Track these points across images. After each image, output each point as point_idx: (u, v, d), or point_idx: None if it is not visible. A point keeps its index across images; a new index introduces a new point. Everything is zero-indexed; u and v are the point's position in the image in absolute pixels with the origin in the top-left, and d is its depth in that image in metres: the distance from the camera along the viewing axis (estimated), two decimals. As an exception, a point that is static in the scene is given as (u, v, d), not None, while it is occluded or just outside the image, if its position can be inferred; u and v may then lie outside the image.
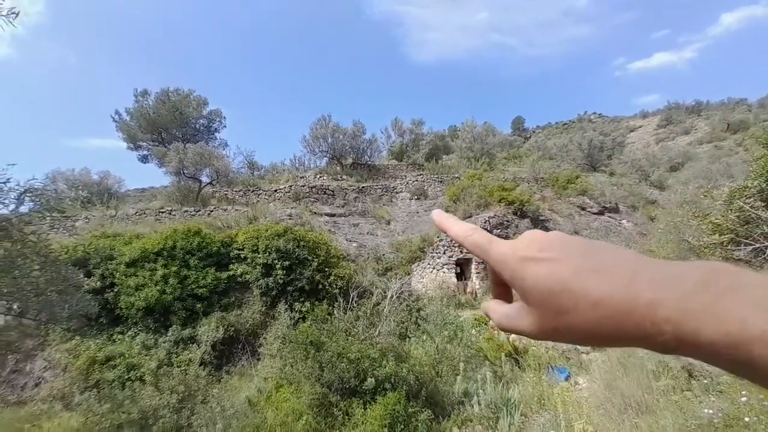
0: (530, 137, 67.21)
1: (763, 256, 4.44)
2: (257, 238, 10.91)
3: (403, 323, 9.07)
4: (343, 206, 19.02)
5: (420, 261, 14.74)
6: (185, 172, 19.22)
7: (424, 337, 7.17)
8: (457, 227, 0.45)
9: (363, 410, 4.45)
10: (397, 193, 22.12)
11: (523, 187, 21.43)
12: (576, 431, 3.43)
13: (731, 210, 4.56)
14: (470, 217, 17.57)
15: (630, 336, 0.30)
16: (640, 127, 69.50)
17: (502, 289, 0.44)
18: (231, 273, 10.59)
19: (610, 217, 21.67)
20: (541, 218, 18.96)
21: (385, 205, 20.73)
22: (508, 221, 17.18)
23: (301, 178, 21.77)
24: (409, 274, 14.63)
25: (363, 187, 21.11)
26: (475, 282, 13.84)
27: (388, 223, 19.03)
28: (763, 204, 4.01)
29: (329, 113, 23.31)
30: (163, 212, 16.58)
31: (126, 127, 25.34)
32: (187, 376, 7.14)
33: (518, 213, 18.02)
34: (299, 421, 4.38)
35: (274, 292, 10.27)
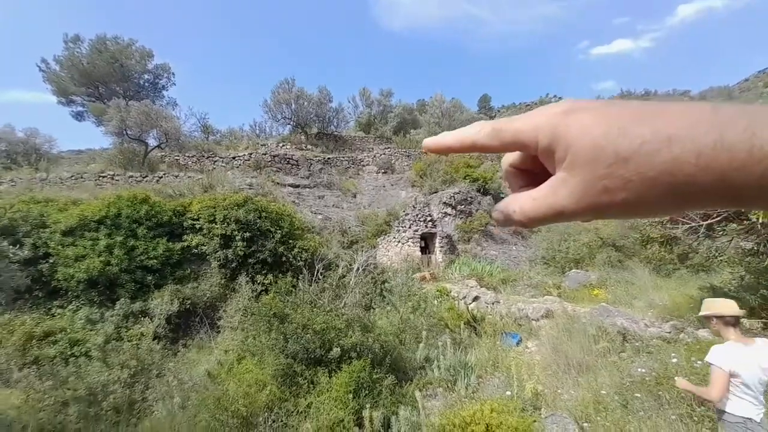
0: (495, 116, 68.63)
1: (696, 234, 4.96)
2: (214, 208, 10.27)
3: (368, 295, 9.21)
4: (307, 177, 18.40)
5: (386, 234, 14.86)
6: (128, 133, 17.35)
7: (389, 308, 7.32)
8: (459, 134, 0.36)
9: (328, 378, 4.49)
10: (363, 166, 21.77)
11: (487, 164, 22.03)
12: (527, 390, 3.72)
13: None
14: (436, 192, 17.86)
15: (719, 172, 0.25)
16: (595, 112, 73.52)
17: (524, 178, 0.36)
18: (185, 244, 9.95)
19: (563, 196, 23.09)
20: (502, 196, 19.74)
21: (351, 177, 20.37)
22: (471, 197, 17.69)
23: (262, 145, 20.59)
24: (374, 247, 14.74)
25: (329, 158, 20.48)
26: (438, 255, 14.28)
27: (354, 196, 18.82)
28: None
29: (293, 77, 21.85)
30: (104, 177, 14.99)
31: (55, 78, 22.02)
32: (140, 350, 6.78)
33: (481, 190, 18.60)
34: (263, 392, 4.32)
35: (234, 265, 9.86)
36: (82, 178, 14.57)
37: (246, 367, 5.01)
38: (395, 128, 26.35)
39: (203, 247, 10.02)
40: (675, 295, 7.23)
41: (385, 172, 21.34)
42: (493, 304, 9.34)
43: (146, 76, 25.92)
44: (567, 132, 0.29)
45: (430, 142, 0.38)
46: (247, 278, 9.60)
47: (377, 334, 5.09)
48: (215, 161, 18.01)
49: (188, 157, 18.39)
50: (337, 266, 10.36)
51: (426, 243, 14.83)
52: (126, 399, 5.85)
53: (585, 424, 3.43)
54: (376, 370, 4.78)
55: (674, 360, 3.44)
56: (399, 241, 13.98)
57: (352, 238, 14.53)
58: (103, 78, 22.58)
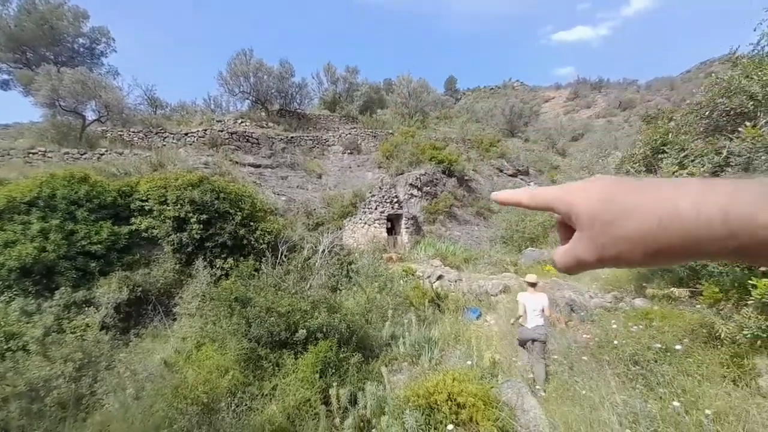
0: (461, 99, 69.44)
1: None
2: (165, 188, 9.53)
3: (335, 276, 9.18)
4: (269, 157, 17.58)
5: (352, 216, 14.76)
6: (61, 104, 15.38)
7: (356, 289, 7.36)
8: (513, 194, 0.48)
9: (294, 360, 4.46)
10: (329, 145, 21.20)
11: (452, 147, 22.39)
12: (485, 359, 3.95)
13: (620, 173, 5.38)
14: (402, 173, 17.92)
15: (678, 235, 0.31)
16: (553, 98, 76.74)
17: (565, 233, 0.45)
18: (133, 227, 9.20)
19: (521, 179, 24.22)
20: (466, 178, 20.27)
21: (316, 158, 19.79)
22: (437, 179, 17.99)
23: (218, 121, 19.25)
24: (341, 229, 14.63)
25: (292, 137, 19.65)
26: (404, 237, 14.50)
27: (320, 177, 18.36)
28: (644, 169, 4.80)
29: (251, 47, 20.41)
30: (34, 154, 13.32)
31: (-31, 39, 18.80)
32: (85, 342, 6.31)
33: (446, 172, 18.95)
34: (225, 377, 4.20)
35: (189, 249, 9.31)
36: (9, 155, 12.85)
37: (206, 354, 4.84)
38: (361, 107, 25.76)
39: (154, 231, 9.32)
40: (616, 269, 7.94)
41: (351, 153, 20.97)
42: (456, 281, 9.72)
43: (81, 41, 22.96)
44: (577, 202, 0.38)
45: (498, 196, 0.50)
46: (206, 263, 9.15)
47: (343, 314, 5.10)
48: (165, 137, 16.63)
49: (134, 132, 16.79)
50: (303, 248, 10.18)
51: (392, 224, 14.97)
52: (72, 394, 5.48)
53: (537, 387, 3.72)
54: (342, 350, 4.82)
55: (614, 326, 3.82)
56: (365, 223, 13.97)
57: (317, 220, 14.28)
58: (32, 42, 19.68)
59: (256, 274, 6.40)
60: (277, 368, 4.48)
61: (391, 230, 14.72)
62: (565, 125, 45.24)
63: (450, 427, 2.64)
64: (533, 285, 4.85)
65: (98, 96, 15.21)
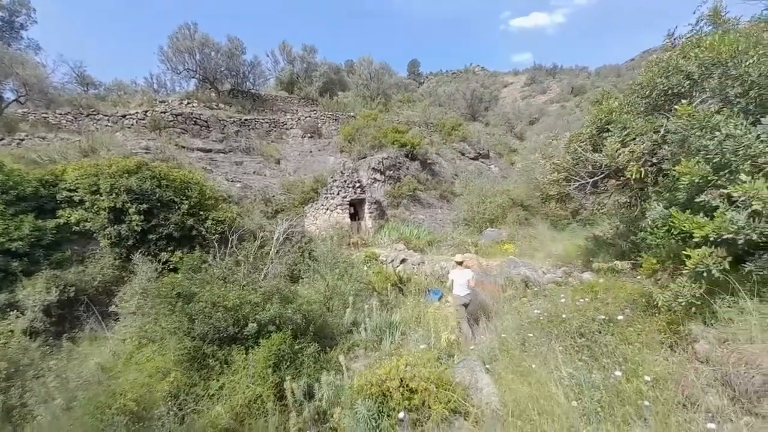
0: (423, 83, 69.25)
1: (584, 191, 5.63)
2: (97, 176, 8.52)
3: (296, 265, 8.82)
4: (221, 141, 16.41)
5: (313, 202, 14.30)
6: (-32, 81, 13.21)
7: (316, 277, 7.11)
8: None
9: (245, 355, 4.18)
10: (287, 129, 20.22)
11: (415, 130, 22.28)
12: (442, 340, 3.94)
13: (568, 152, 5.53)
14: (364, 157, 17.57)
15: None
16: (512, 83, 78.93)
17: None
18: (61, 221, 8.18)
19: (482, 162, 24.81)
20: (429, 161, 20.34)
21: (273, 142, 18.81)
22: (400, 163, 17.86)
23: (161, 102, 17.56)
24: (302, 216, 14.13)
25: (246, 119, 18.46)
26: (368, 222, 14.32)
27: (278, 162, 17.51)
28: (591, 148, 4.95)
29: (194, 21, 18.63)
30: (-68, 139, 11.34)
31: None
32: (9, 349, 5.59)
33: (410, 155, 18.86)
34: (165, 380, 3.84)
35: (130, 242, 8.48)
36: None
37: (146, 356, 4.41)
38: (321, 89, 24.76)
39: (87, 224, 8.36)
40: (567, 246, 8.35)
41: (311, 137, 20.18)
42: (419, 264, 9.77)
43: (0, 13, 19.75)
44: None
45: None
46: (150, 257, 8.39)
47: (299, 304, 4.86)
48: (98, 120, 14.87)
49: (61, 114, 14.85)
50: (263, 237, 9.65)
51: (355, 209, 14.71)
52: (1, 406, 4.86)
53: (492, 365, 3.76)
54: (298, 341, 4.61)
55: (562, 300, 3.95)
56: (327, 209, 13.59)
57: (276, 208, 13.67)
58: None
59: (203, 266, 5.92)
60: (226, 366, 4.18)
61: (355, 215, 14.48)
62: (522, 110, 46.79)
63: (401, 414, 2.56)
64: (460, 263, 6.06)
65: (15, 73, 13.20)
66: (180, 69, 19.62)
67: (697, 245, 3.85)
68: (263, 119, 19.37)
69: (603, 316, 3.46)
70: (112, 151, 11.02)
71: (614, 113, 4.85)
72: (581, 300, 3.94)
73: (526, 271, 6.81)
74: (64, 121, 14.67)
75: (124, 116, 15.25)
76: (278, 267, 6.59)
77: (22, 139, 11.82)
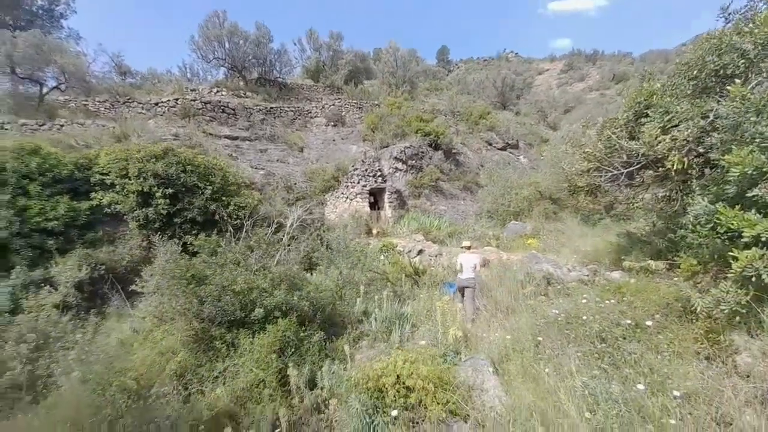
0: (453, 70, 67.20)
1: (617, 182, 5.13)
2: (126, 161, 8.90)
3: (313, 252, 8.85)
4: (247, 129, 16.73)
5: (334, 190, 14.31)
6: (17, 71, 14.15)
7: (330, 265, 7.07)
8: None
9: (251, 340, 4.19)
10: (312, 117, 20.30)
11: (440, 119, 21.67)
12: (450, 336, 3.74)
13: (600, 140, 5.03)
14: (387, 146, 17.32)
15: None
16: (547, 70, 74.88)
17: None
18: (94, 203, 8.65)
19: (510, 152, 23.81)
20: (454, 151, 19.76)
21: (298, 130, 18.95)
22: (422, 152, 17.46)
23: (192, 91, 18.10)
24: (323, 204, 14.20)
25: (272, 107, 18.68)
26: (387, 211, 14.16)
27: (301, 150, 17.65)
28: (627, 135, 4.46)
29: (224, 9, 18.91)
30: (-12, 124, 12.31)
31: None
32: (38, 322, 5.98)
33: (433, 145, 18.39)
34: (174, 359, 3.92)
35: (156, 225, 8.84)
36: (-43, 125, 11.83)
37: (160, 335, 4.54)
38: (346, 77, 24.55)
39: (118, 206, 8.79)
40: (597, 242, 7.79)
41: (335, 125, 20.14)
42: (436, 256, 9.53)
43: (40, 2, 21.05)
44: None
45: None
46: (175, 239, 8.71)
47: (306, 291, 4.81)
48: (133, 108, 15.56)
49: (99, 102, 15.68)
50: (280, 224, 9.77)
51: (375, 199, 14.59)
52: (29, 375, 5.21)
53: (502, 366, 3.53)
54: (305, 328, 4.57)
55: (584, 300, 3.61)
56: (347, 197, 13.55)
57: (298, 195, 13.79)
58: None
59: (219, 250, 6.02)
60: (232, 348, 4.22)
61: (375, 205, 14.36)
62: (557, 98, 44.37)
63: (394, 413, 2.42)
64: (468, 248, 6.53)
65: (54, 61, 13.99)
66: (210, 57, 20.09)
67: (747, 246, 3.37)
68: (288, 107, 19.53)
69: (629, 321, 3.11)
70: (143, 137, 11.49)
71: (655, 96, 4.32)
72: (606, 301, 3.59)
73: (549, 267, 6.40)
74: (103, 109, 15.48)
75: (156, 104, 15.87)
76: (292, 253, 6.60)
77: (62, 125, 12.56)
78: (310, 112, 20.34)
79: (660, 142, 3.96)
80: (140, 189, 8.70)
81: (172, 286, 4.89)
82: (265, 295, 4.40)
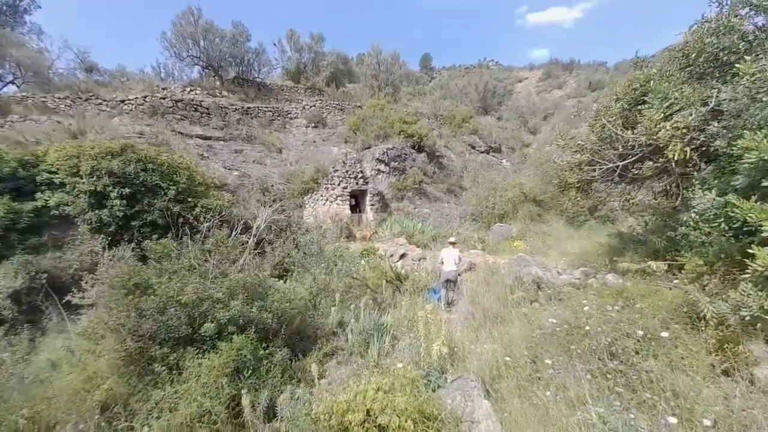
0: (435, 77, 67.73)
1: (611, 177, 4.77)
2: (78, 157, 8.02)
3: (288, 257, 8.18)
4: (221, 128, 15.88)
5: (313, 192, 13.65)
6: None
7: (302, 271, 6.44)
8: None
9: (200, 361, 3.52)
10: (291, 118, 19.61)
11: (424, 122, 21.40)
12: (434, 352, 3.21)
13: (593, 131, 4.67)
14: (369, 148, 16.81)
15: None
16: (526, 78, 76.59)
17: None
18: (39, 204, 7.71)
19: (493, 156, 23.78)
20: (437, 154, 19.46)
21: (276, 131, 18.21)
22: (406, 154, 17.05)
23: (163, 89, 17.11)
24: (301, 206, 13.52)
25: (249, 107, 17.89)
26: (369, 214, 13.61)
27: (280, 151, 16.90)
28: (622, 125, 4.10)
29: (198, 6, 18.11)
30: (-73, 120, 11.07)
31: None
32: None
33: (416, 147, 18.01)
34: (102, 387, 3.22)
35: (111, 228, 7.97)
36: None
37: (91, 357, 3.80)
38: (328, 78, 24.02)
39: (67, 208, 7.88)
40: (585, 244, 7.47)
41: (315, 126, 19.52)
42: (419, 260, 9.02)
43: (1, -4, 19.66)
44: None
45: None
46: (133, 244, 7.86)
47: (270, 301, 4.18)
48: (98, 105, 14.49)
49: (59, 99, 14.50)
50: (239, 225, 9.03)
51: (357, 201, 14.02)
52: None
53: (494, 385, 3.01)
54: (268, 344, 3.94)
55: (586, 308, 3.16)
56: (327, 199, 12.93)
57: (275, 197, 13.05)
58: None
59: (173, 255, 5.30)
60: (176, 371, 3.53)
61: (356, 207, 13.78)
62: (537, 104, 45.21)
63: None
64: (453, 244, 6.98)
65: (8, 54, 12.86)
66: (184, 56, 19.15)
67: (764, 242, 3.01)
68: (266, 108, 18.78)
69: (640, 332, 2.66)
70: (102, 135, 10.56)
71: (652, 81, 3.98)
72: (609, 308, 3.14)
73: (538, 270, 6.00)
74: (63, 106, 14.32)
75: (122, 101, 14.85)
76: (257, 259, 5.95)
77: (14, 122, 11.45)
78: (290, 113, 19.67)
79: (661, 130, 3.59)
80: (93, 189, 7.83)
81: (110, 297, 4.16)
82: (218, 307, 3.75)
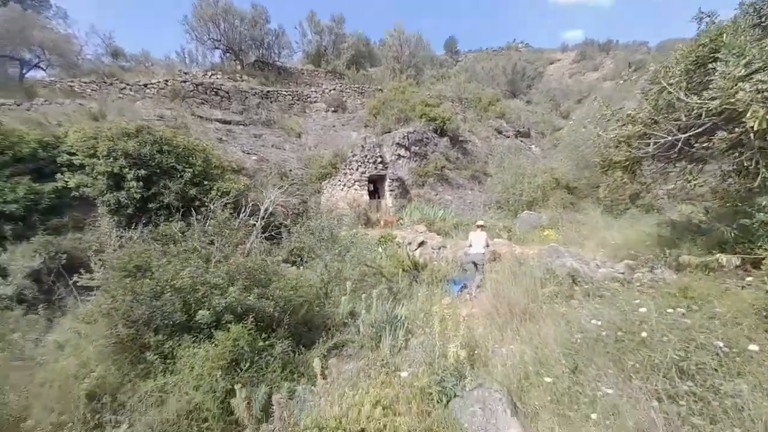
0: (461, 60, 65.09)
1: (668, 154, 4.01)
2: (95, 138, 8.01)
3: (301, 242, 7.91)
4: (241, 113, 15.76)
5: (331, 178, 13.31)
6: (-3, 48, 13.38)
7: (314, 257, 6.12)
8: None
9: (194, 350, 3.25)
10: (311, 102, 19.23)
11: (447, 105, 20.44)
12: (450, 355, 2.75)
13: (647, 98, 3.91)
14: (389, 132, 16.21)
15: None
16: (559, 60, 72.23)
17: None
18: (59, 185, 7.80)
19: (522, 141, 22.51)
20: (461, 138, 18.56)
21: (296, 115, 17.92)
22: (427, 138, 16.32)
23: (185, 73, 17.15)
24: (319, 192, 13.25)
25: (269, 91, 17.66)
26: (388, 200, 13.14)
27: (299, 135, 16.64)
28: (685, 84, 3.35)
29: (218, -14, 17.85)
30: (-35, 104, 11.56)
31: None
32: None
33: (439, 131, 17.22)
34: (91, 376, 3.01)
35: (129, 210, 7.97)
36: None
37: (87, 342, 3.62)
38: (349, 61, 23.37)
39: (86, 189, 7.93)
40: (628, 234, 6.68)
41: (335, 111, 19.06)
42: (439, 249, 8.51)
43: (27, -21, 20.24)
44: None
45: None
46: (151, 226, 7.83)
47: (272, 288, 3.85)
48: (122, 89, 14.68)
49: (85, 83, 14.79)
50: (248, 207, 8.82)
51: (375, 186, 13.57)
52: None
53: (523, 397, 2.52)
54: (266, 335, 3.62)
55: (642, 309, 2.57)
56: (345, 185, 12.56)
57: (292, 182, 12.83)
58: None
59: (179, 237, 5.09)
60: (171, 361, 3.28)
61: (374, 193, 13.35)
62: (570, 87, 42.51)
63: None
64: (481, 227, 6.90)
65: (30, 35, 13.14)
66: (205, 39, 19.09)
67: None
68: (286, 91, 18.48)
69: (720, 343, 2.08)
70: (123, 117, 10.61)
71: (726, 34, 3.20)
72: (671, 310, 2.54)
73: (573, 262, 5.35)
74: (89, 90, 14.60)
75: (145, 85, 14.96)
76: (266, 243, 5.67)
77: (40, 105, 11.74)
78: (309, 97, 19.27)
79: (738, 92, 2.86)
80: (110, 170, 7.82)
81: (110, 280, 3.98)
82: (215, 293, 3.45)
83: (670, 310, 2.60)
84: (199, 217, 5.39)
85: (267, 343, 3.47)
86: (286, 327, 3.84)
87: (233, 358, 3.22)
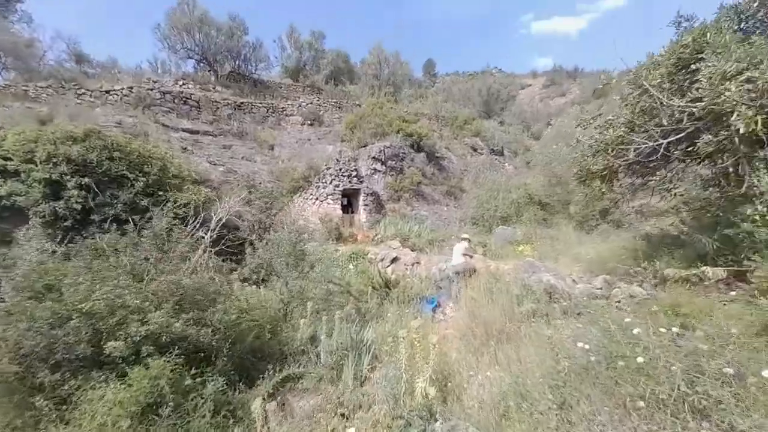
0: (438, 82, 67.26)
1: (649, 160, 3.85)
2: (35, 142, 7.18)
3: (260, 258, 7.27)
4: (211, 123, 15.09)
5: (303, 191, 12.78)
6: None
7: (269, 273, 5.53)
8: None
9: (102, 392, 2.60)
10: (287, 115, 18.83)
11: (424, 122, 20.62)
12: (418, 392, 2.28)
13: (627, 103, 3.75)
14: (365, 146, 15.97)
15: None
16: (530, 85, 76.14)
17: None
18: (-15, 193, 6.86)
19: (496, 159, 22.95)
20: (437, 155, 18.61)
21: (270, 128, 17.41)
22: (404, 153, 16.19)
23: (154, 82, 16.39)
24: (287, 205, 12.64)
25: (242, 102, 17.13)
26: (362, 215, 12.71)
27: (272, 148, 16.09)
28: (669, 85, 3.21)
29: (193, -5, 17.47)
30: None
31: None
32: None
33: (416, 146, 17.18)
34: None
35: (67, 222, 7.10)
36: None
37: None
38: (327, 76, 23.34)
39: (17, 198, 7.02)
40: (601, 249, 6.54)
41: (311, 124, 18.73)
42: (413, 265, 8.10)
43: (-6, -16, 19.13)
44: None
45: None
46: (93, 241, 6.97)
47: (211, 311, 3.26)
48: (80, 95, 13.74)
49: (42, 88, 13.77)
50: (237, 228, 8.17)
51: (349, 201, 13.13)
52: None
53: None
54: (199, 370, 3.01)
55: (636, 330, 2.23)
56: (317, 198, 12.05)
57: (261, 195, 12.18)
58: None
59: (108, 252, 4.40)
60: (72, 408, 2.61)
61: (348, 208, 12.89)
62: (540, 110, 44.52)
63: None
64: (465, 239, 7.05)
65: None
66: (178, 48, 18.48)
67: None
68: (261, 104, 18.02)
69: (729, 369, 1.75)
70: (75, 122, 9.75)
71: (709, 34, 3.09)
72: (662, 330, 2.21)
73: (550, 278, 5.07)
74: (44, 95, 13.56)
75: (107, 92, 14.11)
76: (216, 258, 5.06)
77: (-17, 108, 10.67)
78: (285, 110, 18.89)
79: (724, 91, 2.69)
80: (47, 177, 6.99)
81: (20, 303, 3.26)
82: (132, 319, 2.83)
83: (662, 330, 2.27)
84: (134, 228, 4.72)
85: (198, 380, 2.86)
86: (228, 358, 3.24)
87: (151, 401, 2.59)
